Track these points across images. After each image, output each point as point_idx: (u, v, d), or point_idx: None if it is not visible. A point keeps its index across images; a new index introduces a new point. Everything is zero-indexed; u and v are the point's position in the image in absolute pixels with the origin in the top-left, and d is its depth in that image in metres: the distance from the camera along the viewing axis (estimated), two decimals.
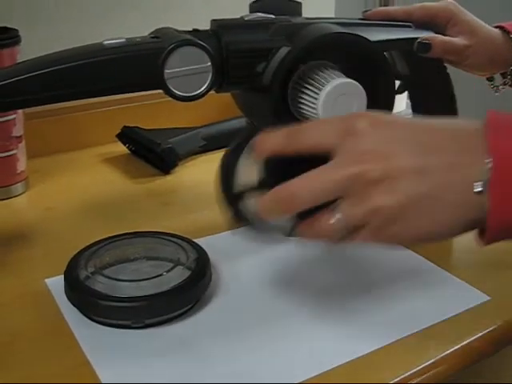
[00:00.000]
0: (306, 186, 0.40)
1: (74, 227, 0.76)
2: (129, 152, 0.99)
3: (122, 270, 0.62)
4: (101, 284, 0.59)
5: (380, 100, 0.67)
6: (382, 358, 0.55)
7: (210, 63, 0.61)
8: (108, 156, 0.98)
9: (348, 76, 0.65)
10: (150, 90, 0.62)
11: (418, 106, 0.79)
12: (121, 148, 0.99)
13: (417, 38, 0.68)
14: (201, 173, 0.93)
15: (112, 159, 0.97)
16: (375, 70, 0.67)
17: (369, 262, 0.68)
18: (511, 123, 0.38)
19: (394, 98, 0.68)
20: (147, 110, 1.03)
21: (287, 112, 0.66)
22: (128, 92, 0.62)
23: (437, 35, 0.68)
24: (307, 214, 0.44)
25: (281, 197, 0.42)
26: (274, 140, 0.44)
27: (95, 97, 0.62)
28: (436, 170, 0.37)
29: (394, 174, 0.36)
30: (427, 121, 0.41)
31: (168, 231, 0.67)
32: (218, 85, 0.65)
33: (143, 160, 0.96)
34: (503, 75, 0.77)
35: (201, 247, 0.64)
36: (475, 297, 0.62)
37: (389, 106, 0.68)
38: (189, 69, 0.61)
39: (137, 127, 0.97)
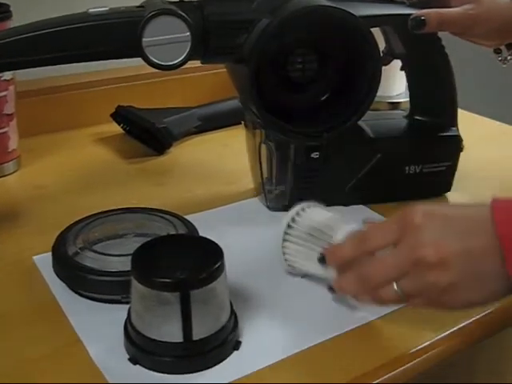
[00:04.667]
0: (381, 270, 0.48)
1: (64, 206, 0.76)
2: (123, 132, 0.98)
3: (111, 246, 0.61)
4: (90, 259, 0.58)
5: (366, 74, 0.67)
6: (374, 336, 0.54)
7: (188, 33, 0.61)
8: (102, 136, 0.97)
9: (332, 51, 0.66)
10: (129, 57, 0.62)
11: (414, 85, 0.78)
12: (115, 128, 0.98)
13: (410, 15, 0.66)
14: (195, 153, 0.92)
15: (106, 139, 0.96)
16: (360, 45, 0.66)
17: None
18: None
19: (379, 71, 0.67)
20: (142, 89, 1.02)
21: (265, 84, 0.66)
22: (110, 58, 0.63)
23: (431, 9, 0.67)
24: None
25: (360, 277, 0.49)
26: (346, 250, 0.51)
27: (79, 62, 0.63)
28: (476, 251, 0.46)
29: (446, 257, 0.46)
30: (459, 209, 0.50)
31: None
32: (200, 55, 0.64)
33: (138, 140, 0.95)
34: (508, 46, 0.74)
35: (190, 223, 0.63)
36: None
37: (374, 82, 0.67)
38: (167, 38, 0.61)
39: (131, 107, 0.96)
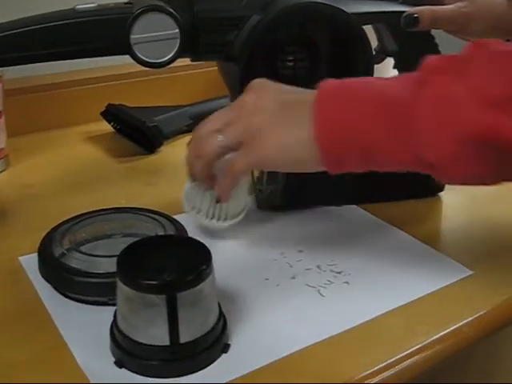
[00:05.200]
0: (208, 125, 0.59)
1: (53, 205, 0.74)
2: (114, 131, 0.97)
3: (98, 246, 0.60)
4: (76, 260, 0.57)
5: (358, 71, 0.66)
6: (366, 338, 0.53)
7: (177, 30, 0.60)
8: (92, 134, 0.96)
9: (324, 48, 0.65)
10: (117, 54, 0.61)
11: None
12: (105, 126, 0.97)
13: (403, 12, 0.66)
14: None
15: (96, 138, 0.95)
16: (352, 42, 0.65)
17: (355, 237, 0.67)
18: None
19: (371, 69, 0.66)
20: (133, 87, 1.01)
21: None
22: (97, 56, 0.62)
23: (424, 7, 0.66)
24: None
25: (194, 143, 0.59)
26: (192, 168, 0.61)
27: (65, 59, 0.62)
28: (290, 103, 0.55)
29: (262, 104, 0.55)
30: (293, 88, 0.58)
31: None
32: (189, 53, 0.63)
33: (128, 139, 0.94)
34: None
35: (179, 223, 0.62)
36: (459, 271, 0.61)
37: (367, 71, 0.66)
38: (156, 35, 0.60)
39: (122, 105, 0.95)
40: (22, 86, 0.93)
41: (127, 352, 0.49)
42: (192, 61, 0.67)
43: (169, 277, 0.47)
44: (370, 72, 0.66)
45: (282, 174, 0.71)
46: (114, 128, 0.96)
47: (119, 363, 0.49)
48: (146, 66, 0.62)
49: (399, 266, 0.62)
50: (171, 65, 1.02)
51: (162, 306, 0.46)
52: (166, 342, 0.47)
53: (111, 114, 0.95)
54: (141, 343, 0.48)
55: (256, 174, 0.72)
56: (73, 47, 0.61)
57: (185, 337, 0.48)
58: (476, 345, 0.56)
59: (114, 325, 0.50)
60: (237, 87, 0.64)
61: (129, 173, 0.85)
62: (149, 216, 0.63)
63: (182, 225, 0.62)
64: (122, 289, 0.48)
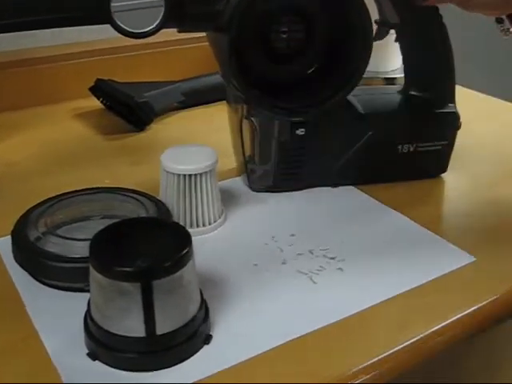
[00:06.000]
0: None
1: (34, 185, 0.71)
2: (103, 107, 0.93)
3: (76, 229, 0.56)
4: (52, 244, 0.54)
5: (356, 44, 0.62)
6: (359, 330, 0.50)
7: None
8: (81, 111, 0.92)
9: (319, 19, 0.61)
10: (97, 23, 0.57)
11: (409, 58, 0.73)
12: (95, 103, 0.93)
13: None
14: (178, 130, 0.87)
15: (84, 114, 0.91)
16: (350, 13, 0.61)
17: (350, 221, 0.64)
18: None
19: (370, 41, 0.62)
20: (124, 62, 0.97)
21: (246, 55, 0.61)
22: (76, 25, 0.58)
23: None
24: None
25: None
26: None
27: (42, 28, 0.58)
28: None
29: None
30: None
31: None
32: (175, 23, 0.59)
33: (118, 115, 0.90)
34: (510, 18, 0.69)
35: (164, 205, 0.59)
36: (461, 258, 0.58)
37: (365, 53, 0.62)
38: (138, 2, 0.55)
39: (111, 80, 0.91)
40: (7, 60, 0.89)
41: (101, 343, 0.45)
42: (178, 32, 0.62)
43: (144, 263, 0.43)
44: (368, 45, 0.62)
45: (275, 152, 0.67)
46: (104, 104, 0.92)
47: (93, 355, 0.46)
48: (128, 36, 0.58)
49: (397, 252, 0.59)
50: (165, 39, 0.99)
51: (137, 295, 0.43)
52: (142, 333, 0.44)
53: (100, 89, 0.91)
54: (115, 334, 0.45)
55: (248, 152, 0.68)
56: (48, 15, 0.56)
57: (162, 328, 0.44)
58: (476, 338, 0.52)
59: (88, 314, 0.47)
60: (226, 60, 0.60)
61: (116, 151, 0.82)
62: (131, 196, 0.59)
63: (166, 206, 0.59)
64: (95, 276, 0.44)
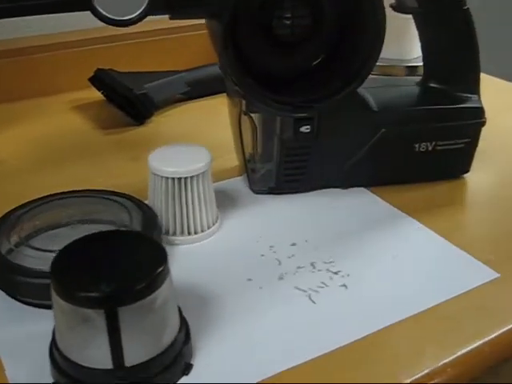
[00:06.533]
0: None
1: (19, 185, 0.66)
2: (104, 99, 0.87)
3: (52, 238, 0.51)
4: (25, 257, 0.49)
5: (367, 32, 0.55)
6: (361, 359, 0.44)
7: None
8: (79, 103, 0.87)
9: (327, 3, 0.55)
10: (77, 10, 0.52)
11: (429, 46, 0.66)
12: (95, 94, 0.87)
13: None
14: (181, 124, 0.81)
15: (83, 106, 0.86)
16: None
17: (360, 228, 0.57)
18: None
19: (383, 28, 0.55)
20: (127, 51, 0.91)
21: (244, 44, 0.55)
22: (53, 12, 0.52)
23: None
24: None
25: None
26: None
27: (20, 15, 0.54)
28: None
29: None
30: None
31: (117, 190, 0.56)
32: (163, 10, 0.53)
33: (118, 108, 0.84)
34: None
35: (149, 208, 0.53)
36: (483, 274, 0.51)
37: (377, 42, 0.55)
38: None
39: (111, 70, 0.85)
40: (2, 48, 0.84)
41: (66, 374, 0.40)
42: (171, 19, 0.56)
43: (108, 287, 0.37)
44: (381, 33, 0.55)
45: (278, 151, 0.61)
46: (105, 96, 0.87)
47: None
48: (110, 24, 0.52)
49: (409, 267, 0.52)
50: (169, 25, 0.94)
51: (101, 322, 0.37)
52: (109, 365, 0.39)
53: (99, 79, 0.85)
54: (80, 365, 0.39)
55: (248, 150, 0.62)
56: (23, 2, 0.51)
57: (132, 359, 0.39)
58: (499, 368, 0.46)
59: (53, 341, 0.41)
60: (221, 49, 0.54)
61: (114, 146, 0.76)
62: (114, 201, 0.54)
63: (153, 211, 0.53)
64: (56, 300, 0.39)
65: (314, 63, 0.59)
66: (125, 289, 0.38)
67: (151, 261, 0.40)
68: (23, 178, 0.68)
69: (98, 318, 0.37)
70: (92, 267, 0.39)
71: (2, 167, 0.71)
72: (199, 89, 0.87)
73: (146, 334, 0.39)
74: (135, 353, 0.39)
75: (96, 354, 0.39)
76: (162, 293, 0.39)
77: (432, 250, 0.55)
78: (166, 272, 0.40)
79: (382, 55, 0.56)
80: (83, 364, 0.39)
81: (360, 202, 0.62)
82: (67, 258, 0.40)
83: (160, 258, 0.40)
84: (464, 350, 0.44)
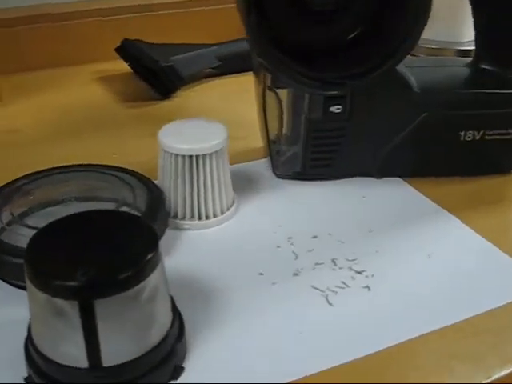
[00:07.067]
0: None
1: (35, 155, 0.62)
2: (131, 71, 0.83)
3: (48, 216, 0.46)
4: (20, 237, 0.44)
5: (409, 3, 0.49)
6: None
7: None
8: (105, 74, 0.83)
9: None
10: None
11: (482, 23, 0.59)
12: (123, 66, 0.83)
13: None
14: (208, 100, 0.76)
15: (108, 78, 0.82)
16: None
17: (391, 223, 0.51)
18: None
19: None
20: (155, 22, 0.86)
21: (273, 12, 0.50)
22: None
23: None
24: None
25: None
26: None
27: None
28: None
29: None
30: None
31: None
32: None
33: (144, 81, 0.80)
34: None
35: (157, 187, 0.49)
36: None
37: (421, 15, 0.49)
38: None
39: (139, 40, 0.81)
40: (23, 15, 0.80)
41: (39, 370, 0.36)
42: None
43: (84, 276, 0.32)
44: (426, 8, 0.48)
45: (305, 132, 0.55)
46: (132, 68, 0.82)
47: (29, 381, 0.36)
48: None
49: (445, 270, 0.46)
50: None
51: (75, 316, 0.33)
52: (84, 363, 0.34)
53: (125, 50, 0.80)
54: (54, 362, 0.35)
55: (272, 130, 0.57)
56: None
57: (110, 358, 0.34)
58: None
59: (28, 334, 0.37)
60: (244, 15, 0.49)
61: (135, 120, 0.72)
62: (119, 177, 0.49)
63: (160, 191, 0.49)
64: (30, 288, 0.34)
65: (350, 37, 0.52)
66: (104, 278, 0.33)
67: (140, 246, 0.35)
68: (36, 149, 0.64)
69: (71, 310, 0.32)
70: (71, 252, 0.34)
71: (16, 136, 0.67)
72: (231, 64, 0.81)
73: (129, 330, 0.34)
74: (114, 352, 0.34)
75: (70, 351, 0.34)
76: (149, 284, 0.34)
77: (473, 253, 0.48)
78: (155, 260, 0.34)
79: (429, 37, 0.50)
80: (58, 361, 0.34)
81: (394, 193, 0.55)
82: (44, 241, 0.35)
83: (150, 243, 0.35)
84: (502, 373, 0.38)
